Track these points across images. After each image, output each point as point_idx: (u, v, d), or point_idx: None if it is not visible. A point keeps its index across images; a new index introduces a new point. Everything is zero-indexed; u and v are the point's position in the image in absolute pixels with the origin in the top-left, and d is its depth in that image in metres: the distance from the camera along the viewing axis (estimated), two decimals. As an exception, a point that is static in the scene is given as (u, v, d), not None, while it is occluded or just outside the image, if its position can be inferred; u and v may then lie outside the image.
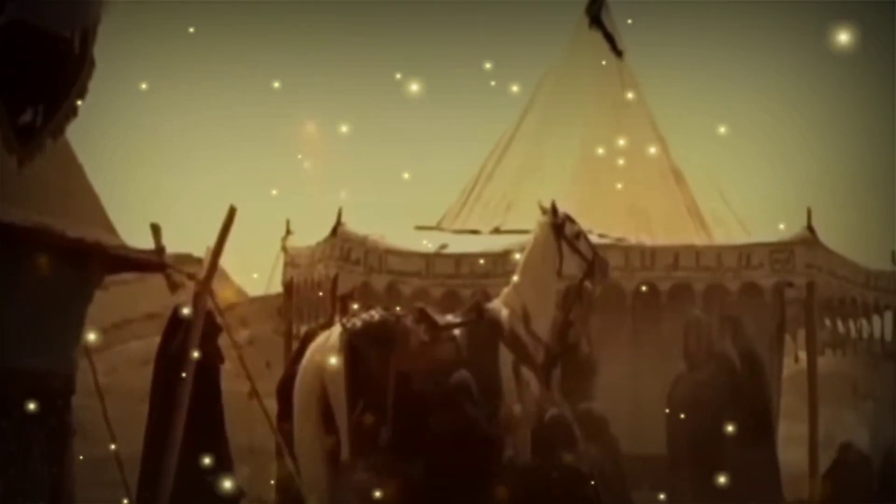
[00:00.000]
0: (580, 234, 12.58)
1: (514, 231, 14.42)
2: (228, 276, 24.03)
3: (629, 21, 15.97)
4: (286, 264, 15.41)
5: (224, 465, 11.97)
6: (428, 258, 14.22)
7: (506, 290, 12.48)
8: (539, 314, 12.29)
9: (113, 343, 22.17)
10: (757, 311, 14.25)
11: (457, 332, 12.11)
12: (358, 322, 12.05)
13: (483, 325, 12.14)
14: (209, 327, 12.27)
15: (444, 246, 14.44)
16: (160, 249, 7.81)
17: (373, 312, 12.18)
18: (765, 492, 12.77)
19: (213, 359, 12.25)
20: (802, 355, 14.67)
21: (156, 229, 7.75)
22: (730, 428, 12.14)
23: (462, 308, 12.63)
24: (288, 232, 15.53)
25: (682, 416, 12.67)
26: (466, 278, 14.08)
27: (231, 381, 13.50)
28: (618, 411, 13.10)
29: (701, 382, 12.79)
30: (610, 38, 16.05)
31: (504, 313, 12.22)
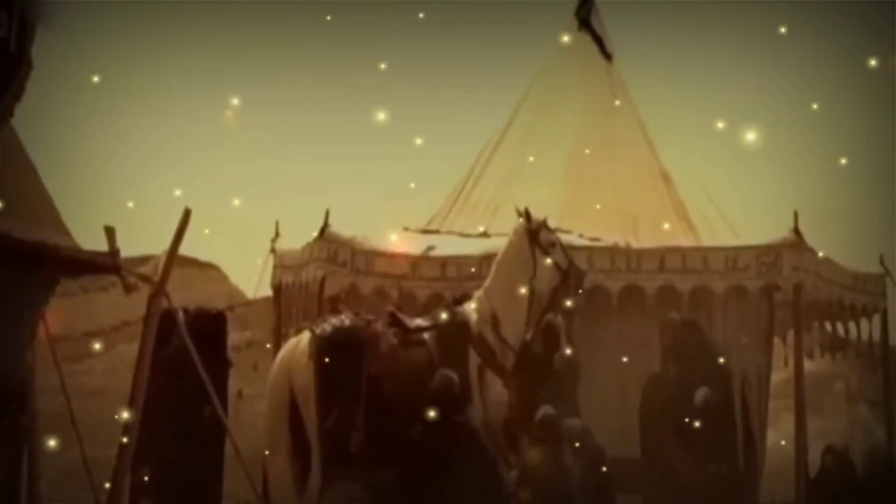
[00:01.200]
0: (555, 243, 12.54)
1: (502, 234, 14.43)
2: (226, 277, 24.12)
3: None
4: (275, 266, 15.44)
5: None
6: (414, 260, 14.23)
7: (478, 293, 12.52)
8: (508, 319, 12.30)
9: (112, 345, 22.27)
10: (744, 314, 14.24)
11: (426, 335, 12.15)
12: (328, 327, 12.12)
13: (452, 328, 12.17)
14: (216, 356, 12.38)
15: (430, 248, 14.45)
16: (114, 251, 7.83)
17: (343, 317, 12.24)
18: (737, 495, 12.79)
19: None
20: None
21: (110, 231, 7.78)
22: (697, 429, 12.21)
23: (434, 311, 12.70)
24: (277, 234, 15.56)
25: (655, 418, 12.72)
26: (453, 281, 14.09)
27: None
28: (602, 413, 13.15)
29: (671, 384, 12.83)
30: (599, 41, 16.06)
31: (473, 317, 12.25)
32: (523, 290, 12.33)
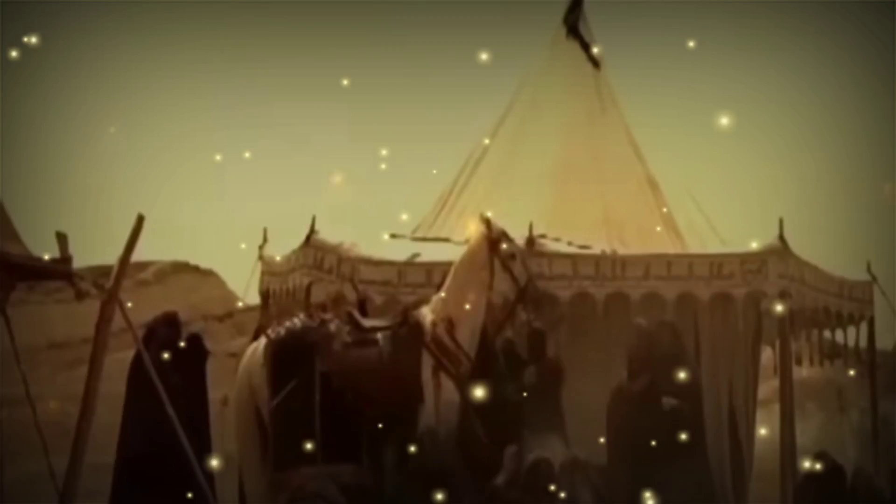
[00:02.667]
0: (515, 255, 12.56)
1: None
2: (224, 283, 24.21)
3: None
4: (263, 273, 15.49)
5: None
6: (400, 267, 14.23)
7: (436, 296, 12.61)
8: (463, 323, 12.37)
9: (108, 352, 22.37)
10: (730, 321, 14.21)
11: (380, 335, 12.25)
12: (281, 331, 12.28)
13: (405, 330, 12.28)
14: (196, 352, 12.43)
15: (416, 255, 14.47)
16: (66, 258, 7.88)
17: (296, 320, 12.38)
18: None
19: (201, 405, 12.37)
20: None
21: (61, 238, 7.84)
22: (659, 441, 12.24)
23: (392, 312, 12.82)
24: (265, 240, 15.60)
25: (618, 427, 12.75)
26: (438, 287, 14.08)
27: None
28: (586, 420, 13.16)
29: (637, 392, 12.84)
30: (587, 48, 16.06)
31: (428, 319, 12.33)
32: (477, 297, 12.40)
